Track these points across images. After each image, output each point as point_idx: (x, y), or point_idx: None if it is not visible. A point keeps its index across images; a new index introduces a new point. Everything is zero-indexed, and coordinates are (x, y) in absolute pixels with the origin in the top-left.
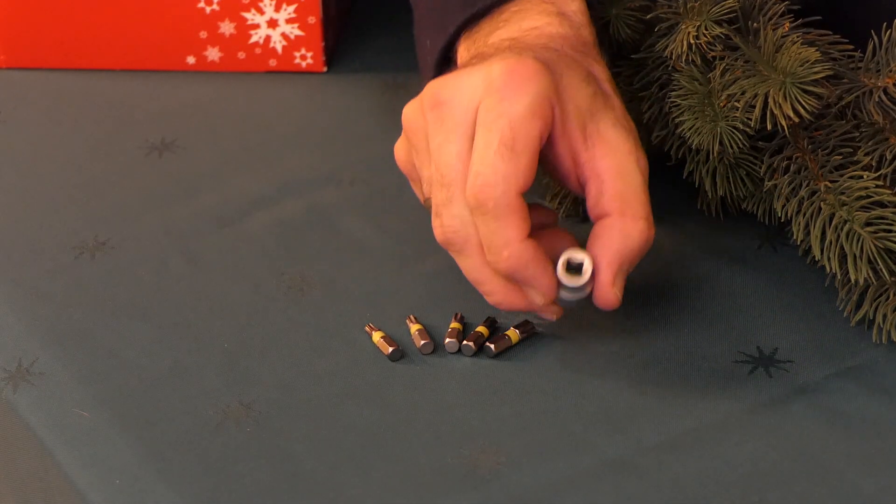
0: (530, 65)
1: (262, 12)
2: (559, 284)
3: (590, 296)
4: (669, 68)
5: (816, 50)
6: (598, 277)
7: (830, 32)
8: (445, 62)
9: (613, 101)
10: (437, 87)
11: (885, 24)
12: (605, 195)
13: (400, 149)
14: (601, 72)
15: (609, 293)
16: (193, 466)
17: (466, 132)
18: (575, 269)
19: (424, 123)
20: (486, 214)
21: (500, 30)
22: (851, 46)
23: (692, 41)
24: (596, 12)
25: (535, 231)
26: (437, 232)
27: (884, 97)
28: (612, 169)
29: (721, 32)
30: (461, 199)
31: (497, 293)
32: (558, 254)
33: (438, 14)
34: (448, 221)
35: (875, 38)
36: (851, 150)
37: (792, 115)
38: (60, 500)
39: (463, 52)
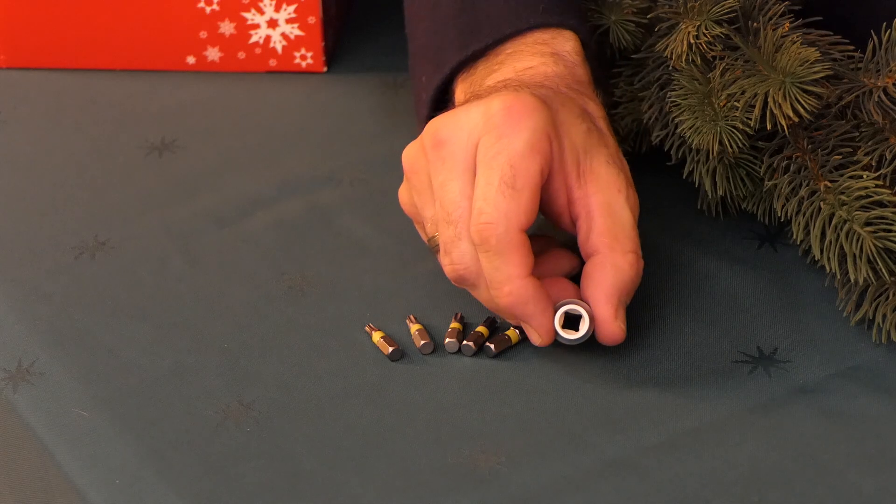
0: (528, 101)
1: (262, 12)
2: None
3: (591, 336)
4: (669, 68)
5: (816, 50)
6: (599, 315)
7: (830, 32)
8: (441, 100)
9: (607, 139)
10: (436, 127)
11: (884, 24)
12: (594, 232)
13: (403, 192)
14: (595, 109)
15: (613, 328)
16: (193, 466)
17: (468, 169)
18: (572, 319)
19: (426, 163)
20: (489, 251)
21: (496, 72)
22: (851, 46)
23: (692, 41)
24: (594, 22)
25: (538, 256)
26: (448, 269)
27: (883, 97)
28: (603, 206)
29: (721, 32)
30: (468, 236)
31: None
32: (557, 296)
33: (434, 51)
34: (458, 259)
35: (875, 38)
36: (851, 150)
37: (792, 114)
38: (60, 500)
39: (460, 93)
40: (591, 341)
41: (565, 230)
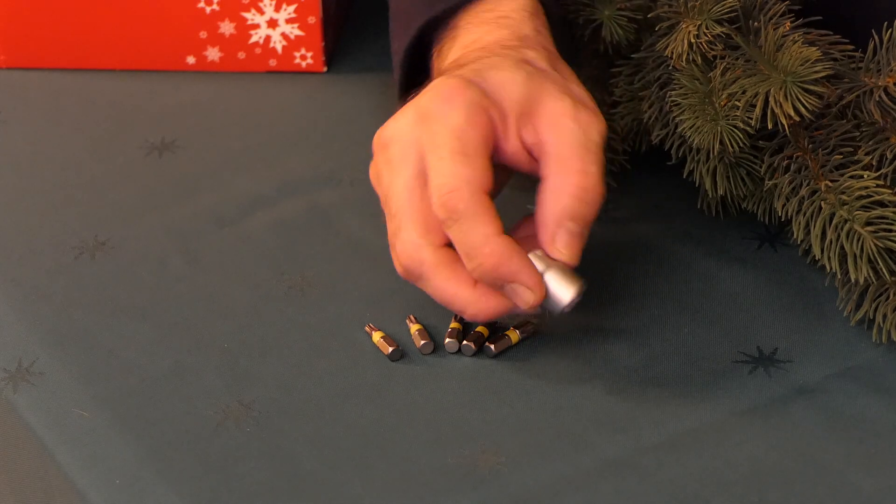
0: (453, 83)
1: (262, 12)
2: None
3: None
4: (670, 67)
5: (817, 49)
6: (539, 237)
7: (831, 32)
8: (413, 67)
9: (551, 75)
10: (379, 133)
11: (885, 23)
12: (544, 160)
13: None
14: (536, 56)
15: (551, 249)
16: (193, 466)
17: (410, 164)
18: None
19: (376, 169)
20: (459, 219)
21: (451, 50)
22: (852, 46)
23: (693, 40)
24: (587, 16)
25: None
26: (396, 265)
27: (884, 97)
28: (550, 132)
29: (722, 31)
30: (409, 226)
31: (470, 304)
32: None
33: (404, 16)
34: (401, 249)
35: (875, 37)
36: (852, 150)
37: (792, 114)
38: (60, 500)
39: (436, 71)
40: (591, 338)
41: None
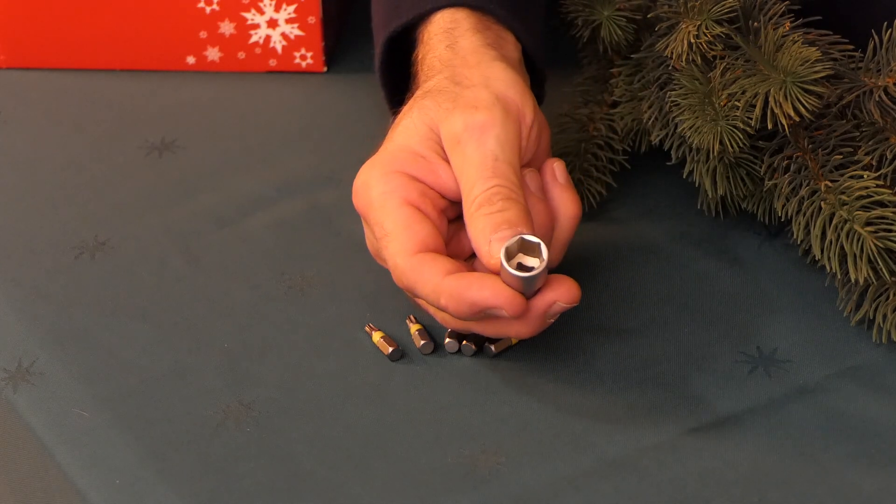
0: (360, 176)
1: (262, 12)
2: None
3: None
4: (669, 68)
5: (817, 49)
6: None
7: (830, 32)
8: (386, 60)
9: (462, 91)
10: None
11: (885, 23)
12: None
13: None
14: (469, 76)
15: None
16: (193, 466)
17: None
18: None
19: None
20: (412, 289)
21: (417, 77)
22: (851, 46)
23: (692, 40)
24: (585, 17)
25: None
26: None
27: (884, 97)
28: (458, 165)
29: (721, 32)
30: (371, 230)
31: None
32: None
33: (376, 25)
34: (373, 252)
35: (875, 37)
36: (852, 150)
37: (792, 114)
38: (60, 500)
39: (422, 79)
40: (591, 339)
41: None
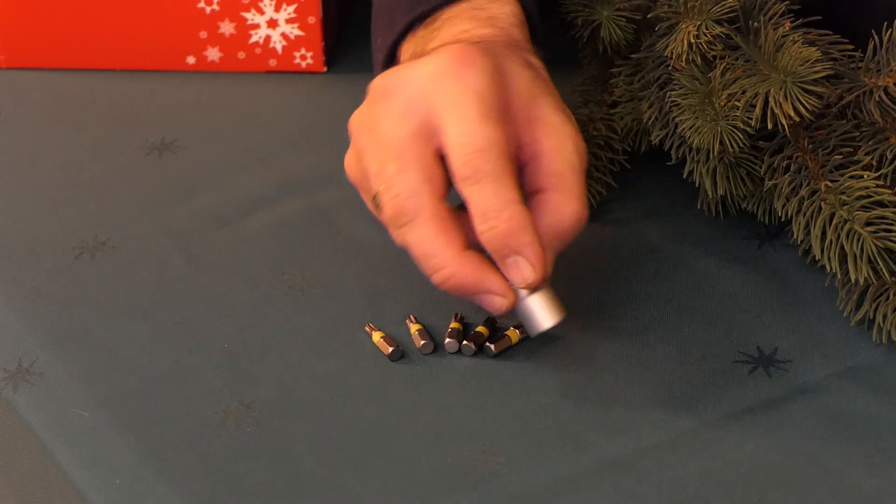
0: (474, 49)
1: (262, 12)
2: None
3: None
4: (669, 68)
5: (817, 49)
6: None
7: (830, 32)
8: (391, 60)
9: (553, 88)
10: (383, 81)
11: (885, 23)
12: (542, 173)
13: (350, 158)
14: (538, 63)
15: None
16: (193, 466)
17: (419, 115)
18: None
19: (371, 118)
20: (483, 180)
21: (436, 38)
22: (851, 46)
23: (692, 40)
24: (585, 17)
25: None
26: (389, 205)
27: (884, 97)
28: (552, 149)
29: (721, 32)
30: (414, 168)
31: (449, 265)
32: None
33: (388, 14)
34: (402, 189)
35: (875, 37)
36: (852, 150)
37: (792, 114)
38: (60, 500)
39: (405, 55)
40: (591, 339)
41: None
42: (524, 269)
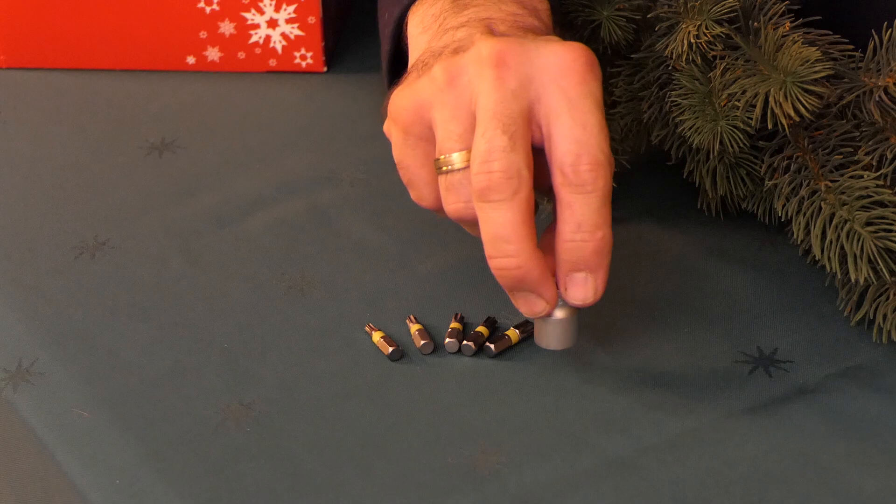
0: (592, 53)
1: (262, 12)
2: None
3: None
4: (669, 68)
5: (817, 49)
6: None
7: (830, 32)
8: (399, 33)
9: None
10: (500, 46)
11: (885, 23)
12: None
13: (407, 101)
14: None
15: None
16: (193, 466)
17: (530, 98)
18: None
19: (478, 76)
20: (592, 193)
21: (464, 13)
22: (851, 46)
23: (692, 40)
24: (585, 17)
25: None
26: (487, 177)
27: (884, 97)
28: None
29: (721, 32)
30: (524, 152)
31: (522, 256)
32: None
33: None
34: (507, 165)
35: (875, 37)
36: (852, 150)
37: (792, 113)
38: (60, 500)
39: (413, 27)
40: (591, 338)
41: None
42: (589, 288)
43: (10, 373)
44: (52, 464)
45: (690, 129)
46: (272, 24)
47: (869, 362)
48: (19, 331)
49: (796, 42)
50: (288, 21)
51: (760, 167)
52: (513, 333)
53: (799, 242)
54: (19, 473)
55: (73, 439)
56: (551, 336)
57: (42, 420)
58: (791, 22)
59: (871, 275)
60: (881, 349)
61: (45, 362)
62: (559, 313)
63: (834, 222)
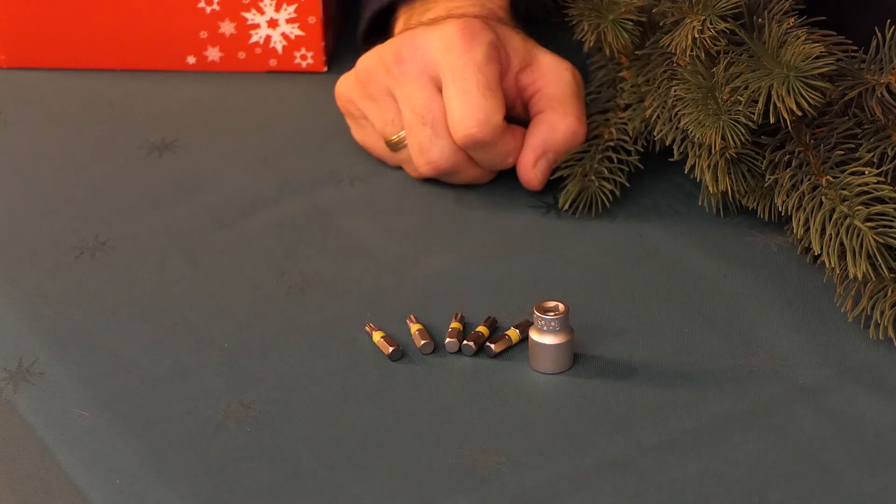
0: (477, 22)
1: (262, 12)
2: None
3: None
4: (673, 63)
5: (820, 45)
6: (521, 159)
7: (834, 32)
8: (380, 27)
9: (531, 41)
10: (397, 46)
11: (888, 21)
12: (542, 99)
13: (345, 85)
14: (523, 33)
15: (529, 175)
16: (193, 466)
17: (431, 81)
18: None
19: (386, 76)
20: (487, 146)
21: (431, 10)
22: (855, 47)
23: (696, 35)
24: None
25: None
26: (427, 168)
27: (886, 94)
28: (549, 80)
29: (726, 27)
30: (445, 134)
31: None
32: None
33: None
34: (438, 155)
35: (878, 35)
36: (853, 147)
37: (795, 108)
38: (60, 500)
39: (400, 25)
40: (591, 339)
41: (518, 117)
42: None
43: (11, 372)
44: (52, 464)
45: (693, 123)
46: (272, 24)
47: (869, 362)
48: (19, 331)
49: (800, 38)
50: (288, 21)
51: (762, 163)
52: (513, 333)
53: (799, 239)
54: (19, 473)
55: (73, 439)
56: (547, 360)
57: (42, 420)
58: (795, 19)
59: (870, 270)
60: (881, 349)
61: (45, 362)
62: (553, 338)
63: (834, 217)
